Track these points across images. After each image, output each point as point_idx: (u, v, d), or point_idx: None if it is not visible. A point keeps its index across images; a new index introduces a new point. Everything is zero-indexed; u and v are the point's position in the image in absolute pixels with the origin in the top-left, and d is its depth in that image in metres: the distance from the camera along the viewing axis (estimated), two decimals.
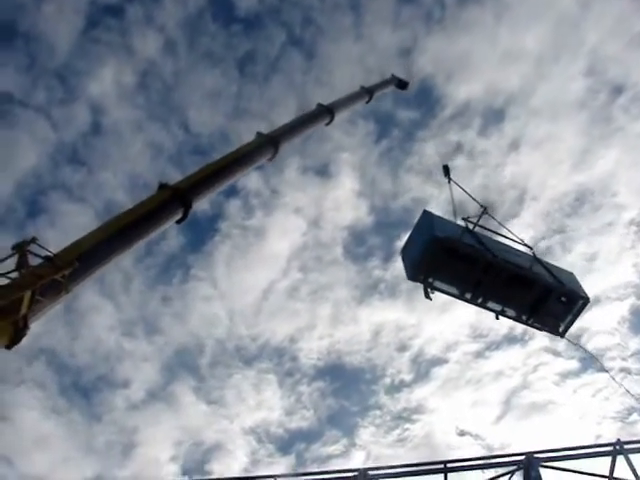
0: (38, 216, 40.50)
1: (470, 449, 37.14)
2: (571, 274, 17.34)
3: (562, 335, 16.67)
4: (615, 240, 41.87)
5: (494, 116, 46.17)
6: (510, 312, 16.45)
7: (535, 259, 16.91)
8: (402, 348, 40.92)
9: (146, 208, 12.53)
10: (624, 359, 39.51)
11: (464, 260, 15.56)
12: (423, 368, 40.82)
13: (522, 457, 15.05)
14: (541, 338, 39.83)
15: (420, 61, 44.55)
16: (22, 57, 38.67)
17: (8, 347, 9.38)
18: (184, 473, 38.66)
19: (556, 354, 40.48)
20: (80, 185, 39.94)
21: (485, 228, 17.28)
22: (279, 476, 15.34)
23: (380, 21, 46.22)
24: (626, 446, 15.09)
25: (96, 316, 36.29)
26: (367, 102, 24.78)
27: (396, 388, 40.23)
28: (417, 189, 42.82)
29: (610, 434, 34.85)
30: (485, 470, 15.36)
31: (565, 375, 40.34)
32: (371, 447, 39.16)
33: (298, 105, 44.17)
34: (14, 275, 9.90)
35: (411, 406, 39.75)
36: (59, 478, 35.90)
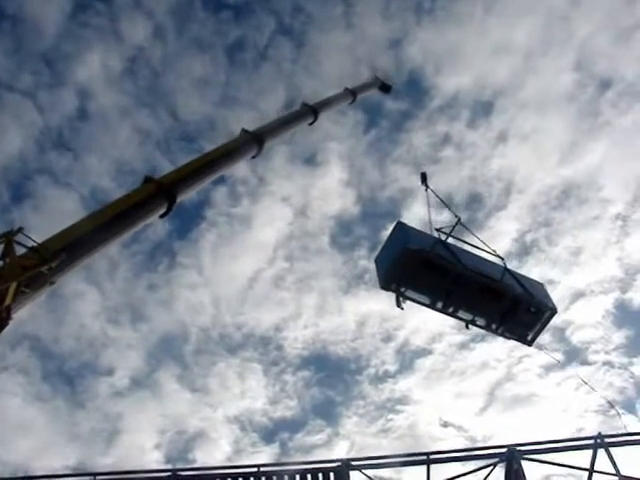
0: (23, 201, 40.23)
1: (453, 440, 37.46)
2: (541, 285, 17.93)
3: (530, 343, 17.36)
4: (600, 234, 42.26)
5: (482, 108, 46.32)
6: (480, 321, 16.89)
7: (506, 270, 17.27)
8: (387, 339, 41.21)
9: (131, 201, 12.70)
10: (607, 352, 40.03)
11: (435, 271, 15.95)
12: (408, 359, 41.25)
13: (504, 450, 15.16)
14: None
15: (409, 52, 44.57)
16: (8, 40, 38.26)
17: None
18: (168, 461, 38.93)
19: (540, 347, 40.84)
20: (66, 170, 39.73)
21: (458, 239, 17.65)
22: (262, 465, 15.35)
23: (370, 11, 46.11)
24: (607, 439, 15.29)
25: (81, 302, 36.28)
26: (351, 103, 25.23)
27: (380, 379, 40.45)
28: (404, 180, 42.90)
29: (592, 427, 35.47)
30: (467, 462, 15.43)
31: (549, 368, 40.64)
32: (355, 437, 39.43)
33: (287, 94, 44.10)
34: None
35: (395, 397, 40.00)
36: (42, 465, 35.74)
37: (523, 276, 17.69)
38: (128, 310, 40.87)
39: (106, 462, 37.29)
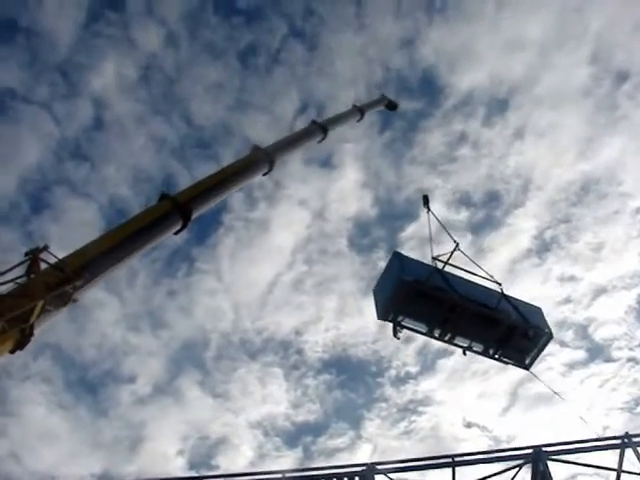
0: (42, 212, 40.74)
1: (477, 441, 37.42)
2: (538, 309, 18.21)
3: (527, 368, 17.59)
4: (621, 229, 41.94)
5: (498, 106, 46.09)
6: (477, 347, 17.22)
7: (502, 296, 17.58)
8: (408, 340, 40.88)
9: (148, 218, 12.98)
10: (631, 349, 39.72)
11: (431, 301, 16.35)
12: (429, 360, 41.23)
13: (530, 451, 15.10)
14: None
15: (422, 51, 44.51)
16: (24, 53, 38.78)
17: (12, 352, 9.61)
18: (191, 467, 39.21)
19: (563, 344, 40.54)
20: (84, 180, 40.17)
21: (455, 267, 17.90)
22: (287, 471, 15.38)
23: (382, 12, 46.10)
24: (634, 439, 15.18)
25: (101, 311, 36.73)
26: (358, 120, 25.64)
27: (402, 380, 40.43)
28: (421, 180, 42.89)
29: (618, 425, 35.04)
30: (493, 464, 15.38)
31: (572, 366, 40.45)
32: (378, 440, 39.49)
33: (300, 97, 44.22)
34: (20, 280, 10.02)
35: (417, 398, 39.98)
36: (66, 474, 36.14)
37: (520, 301, 17.96)
38: (148, 317, 41.36)
39: (130, 470, 37.88)
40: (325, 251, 43.94)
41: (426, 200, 20.66)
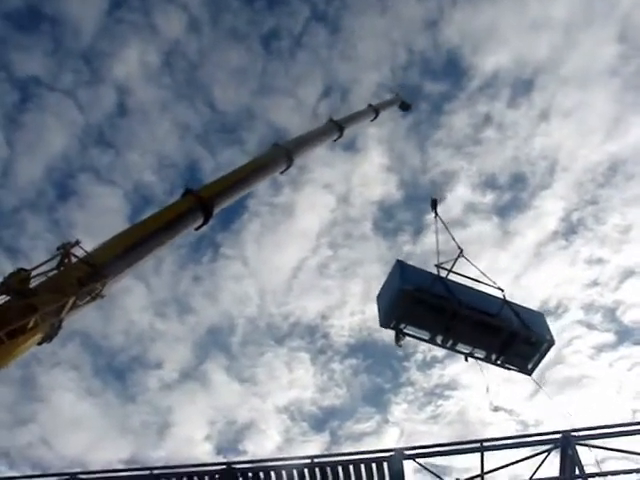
0: (68, 199, 41.23)
1: (504, 425, 37.01)
2: (540, 315, 18.52)
3: (530, 373, 17.73)
4: None
5: (523, 86, 45.98)
6: (479, 354, 17.49)
7: (505, 302, 17.93)
8: None
9: (173, 213, 13.60)
10: None
11: (432, 308, 16.72)
12: None
13: (559, 435, 15.02)
14: (575, 311, 39.55)
15: (446, 33, 44.29)
16: (48, 41, 39.35)
17: (40, 344, 9.85)
18: (218, 452, 38.99)
19: (590, 327, 40.10)
20: (108, 167, 40.64)
21: (458, 274, 18.38)
22: (315, 457, 15.52)
23: None
24: None
25: (128, 298, 37.10)
26: (372, 120, 26.20)
27: (428, 364, 40.33)
28: (446, 162, 42.70)
29: None
30: (521, 449, 15.36)
31: (600, 348, 39.99)
32: (404, 424, 39.31)
33: (324, 80, 44.04)
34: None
35: (444, 382, 39.67)
36: (95, 459, 36.64)
37: (522, 307, 18.26)
38: (174, 303, 41.67)
39: (158, 455, 37.97)
40: (350, 235, 44.00)
41: (434, 204, 20.96)
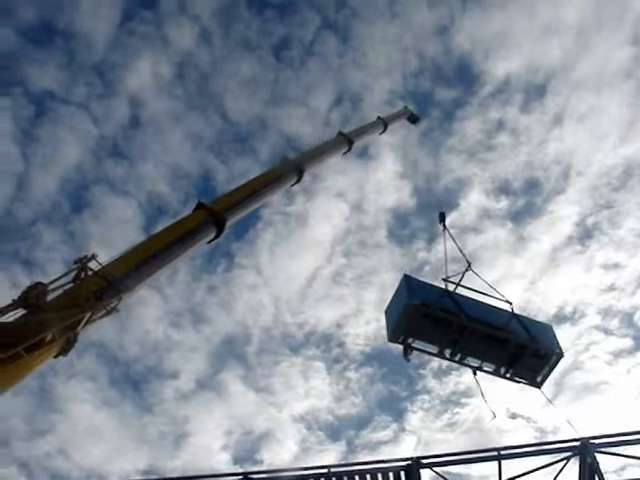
0: (83, 211, 41.55)
1: (522, 432, 36.85)
2: (549, 327, 18.50)
3: (539, 386, 17.70)
4: None
5: (536, 91, 45.95)
6: (488, 367, 17.54)
7: (513, 315, 17.95)
8: None
9: (186, 228, 13.76)
10: None
11: (440, 323, 16.76)
12: None
13: (577, 443, 14.88)
14: (592, 316, 39.27)
15: (457, 39, 44.33)
16: (61, 55, 39.72)
17: (56, 357, 9.93)
18: (235, 462, 39.04)
19: (608, 332, 39.80)
20: (122, 178, 40.90)
21: (466, 287, 18.41)
22: (332, 466, 15.48)
23: (415, 0, 45.82)
24: None
25: (144, 308, 37.29)
26: (381, 133, 26.32)
27: (444, 372, 40.14)
28: (459, 169, 42.65)
29: None
30: (539, 456, 15.24)
31: (618, 354, 39.71)
32: (421, 432, 39.20)
33: (336, 88, 44.16)
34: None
35: (460, 390, 39.49)
36: (113, 469, 36.77)
37: (531, 320, 18.30)
38: (189, 313, 41.75)
39: (175, 465, 38.02)
40: (364, 243, 44.04)
41: (442, 217, 21.12)
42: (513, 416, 38.47)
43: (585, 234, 42.98)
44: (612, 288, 41.31)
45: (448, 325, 16.77)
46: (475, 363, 17.38)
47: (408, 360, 17.05)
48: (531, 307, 40.07)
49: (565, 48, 45.13)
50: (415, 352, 17.09)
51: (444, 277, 18.43)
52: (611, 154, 44.07)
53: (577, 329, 40.91)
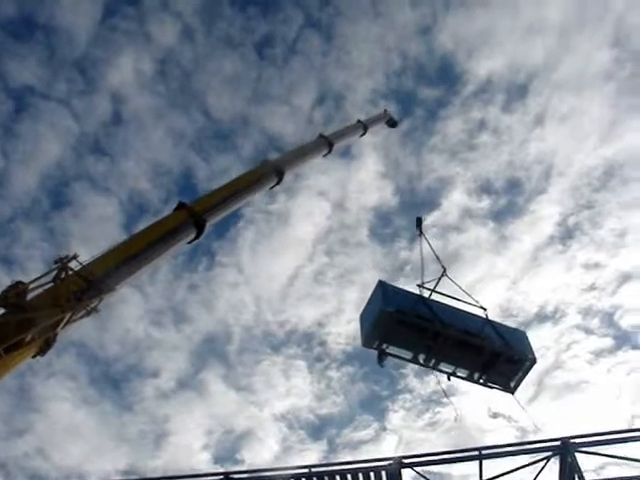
0: (63, 208, 41.13)
1: (503, 431, 37.05)
2: (522, 333, 18.70)
3: (512, 392, 17.77)
4: None
5: (517, 91, 46.21)
6: (462, 373, 17.65)
7: (487, 321, 18.14)
8: None
9: (165, 228, 13.77)
10: None
11: (414, 329, 16.83)
12: None
13: (558, 443, 14.99)
14: (573, 315, 39.62)
15: (440, 38, 44.47)
16: (42, 50, 39.18)
17: (34, 356, 9.86)
18: (216, 462, 38.86)
19: (589, 332, 40.15)
20: (103, 175, 40.54)
21: (441, 293, 18.63)
22: (313, 466, 15.50)
23: None
24: None
25: (124, 307, 37.01)
26: (361, 135, 27.15)
27: (425, 371, 40.16)
28: (441, 169, 42.78)
29: None
30: (520, 456, 15.34)
31: (599, 353, 40.06)
32: (402, 431, 39.29)
33: (319, 87, 44.16)
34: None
35: (441, 389, 39.67)
36: (93, 469, 36.51)
37: (504, 326, 18.52)
38: (170, 312, 41.56)
39: (155, 464, 37.85)
40: (346, 242, 44.05)
41: (419, 222, 21.25)
42: (494, 415, 38.44)
43: (566, 234, 43.40)
44: (593, 288, 41.79)
45: (423, 331, 16.85)
46: (449, 369, 17.49)
47: (382, 366, 17.09)
48: (512, 306, 40.44)
49: (548, 48, 45.46)
50: (389, 357, 17.12)
51: (419, 283, 18.59)
52: (592, 155, 44.52)
53: (558, 328, 41.29)
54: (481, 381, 17.66)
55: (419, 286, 18.47)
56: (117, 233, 37.75)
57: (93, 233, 36.78)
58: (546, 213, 43.74)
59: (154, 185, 41.84)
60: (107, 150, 43.31)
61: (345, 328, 42.31)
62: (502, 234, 44.80)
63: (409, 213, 44.69)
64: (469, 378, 17.68)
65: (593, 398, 38.50)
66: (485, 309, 18.55)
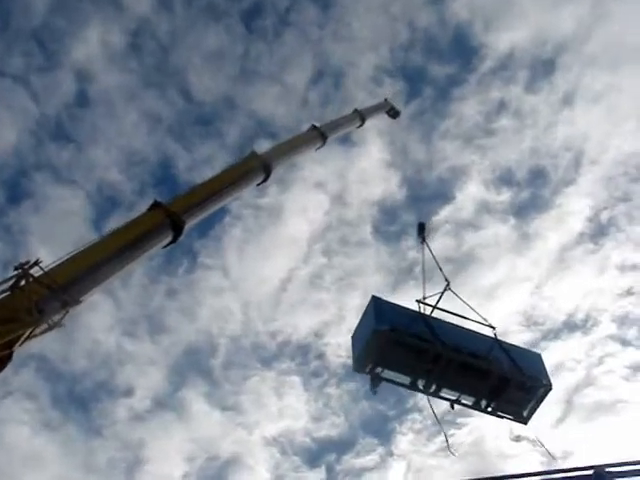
0: (22, 202, 39.23)
1: (527, 457, 34.93)
2: (537, 356, 17.15)
3: (525, 422, 16.39)
4: None
5: (543, 68, 43.89)
6: (467, 400, 16.29)
7: (496, 341, 16.75)
8: None
9: (138, 231, 12.86)
10: None
11: (412, 350, 15.57)
12: None
13: (591, 472, 13.37)
14: (607, 324, 37.46)
15: (453, 7, 42.43)
16: None
17: None
18: None
19: (625, 343, 38.07)
20: (68, 165, 38.58)
21: (443, 310, 17.27)
22: None
23: None
24: None
25: (93, 315, 34.61)
26: (359, 127, 25.33)
27: None
28: (455, 157, 40.79)
29: None
30: None
31: (636, 368, 37.85)
32: (411, 457, 36.99)
33: (314, 63, 42.03)
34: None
35: (455, 408, 37.73)
36: None
37: (516, 347, 17.07)
38: (146, 321, 39.41)
39: None
40: (346, 240, 41.86)
41: (421, 229, 19.79)
42: (517, 439, 36.53)
43: (599, 231, 41.13)
44: (630, 292, 39.21)
45: (421, 353, 15.55)
46: (452, 396, 16.14)
47: (375, 392, 15.87)
48: (537, 314, 38.30)
49: (579, 17, 42.45)
50: (384, 383, 15.82)
51: (418, 299, 17.25)
52: (629, 139, 41.90)
53: (589, 339, 39.02)
54: (489, 410, 16.31)
55: (419, 302, 17.19)
56: (84, 230, 35.59)
57: (56, 230, 34.89)
58: (575, 207, 41.43)
59: (127, 176, 39.81)
60: (72, 136, 41.28)
61: (345, 339, 39.91)
62: (524, 232, 42.58)
63: (418, 207, 42.47)
64: (475, 406, 16.32)
65: (630, 420, 35.75)
66: (494, 327, 17.15)
